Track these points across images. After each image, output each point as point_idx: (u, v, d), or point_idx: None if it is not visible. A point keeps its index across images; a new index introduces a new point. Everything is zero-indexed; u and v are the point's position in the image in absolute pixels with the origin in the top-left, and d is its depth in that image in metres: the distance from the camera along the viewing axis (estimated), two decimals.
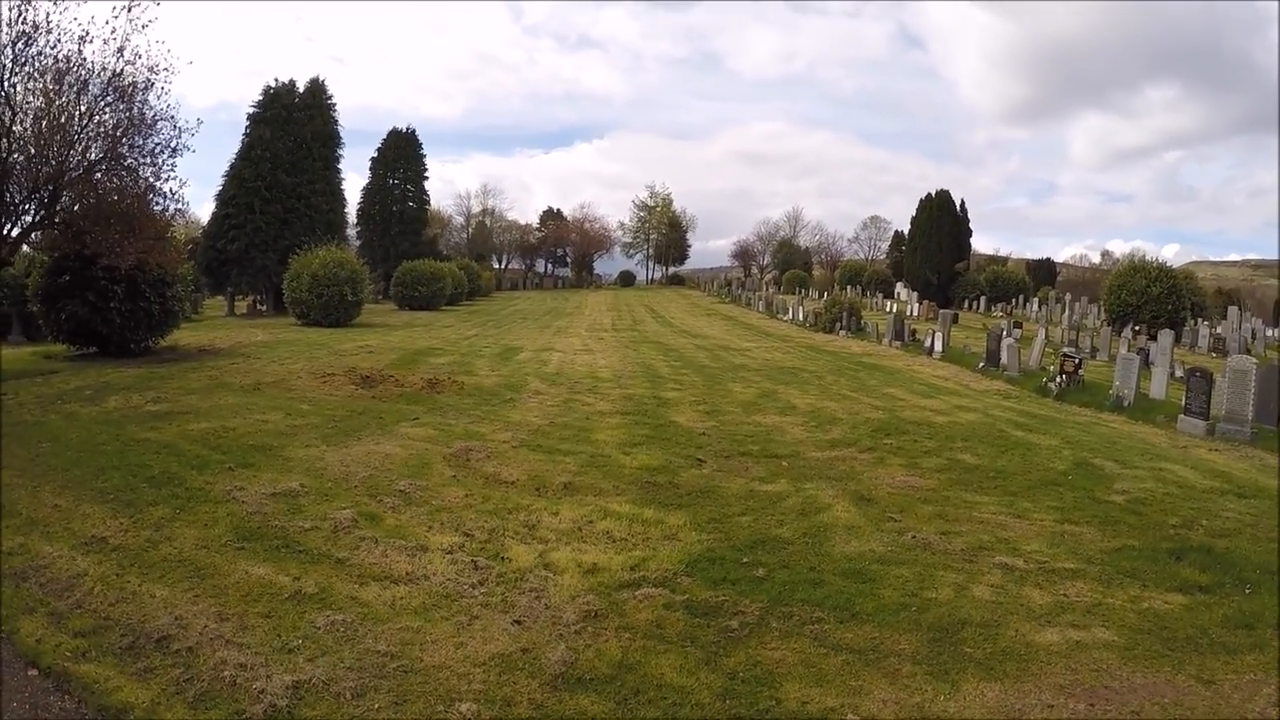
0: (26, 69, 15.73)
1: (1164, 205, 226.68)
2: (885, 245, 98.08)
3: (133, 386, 14.66)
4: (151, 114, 17.40)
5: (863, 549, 7.50)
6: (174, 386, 14.84)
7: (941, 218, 65.08)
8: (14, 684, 5.03)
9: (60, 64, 15.90)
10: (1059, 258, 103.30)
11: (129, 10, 16.42)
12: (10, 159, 15.75)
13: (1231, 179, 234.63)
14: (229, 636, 5.52)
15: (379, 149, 76.57)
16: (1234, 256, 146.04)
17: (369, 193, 75.41)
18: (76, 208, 17.27)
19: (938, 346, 27.84)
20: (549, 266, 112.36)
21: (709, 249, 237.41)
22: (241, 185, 46.89)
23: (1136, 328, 33.98)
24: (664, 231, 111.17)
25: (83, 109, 16.42)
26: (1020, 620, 6.03)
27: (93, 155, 16.96)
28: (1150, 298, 34.93)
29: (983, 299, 58.82)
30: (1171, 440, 13.78)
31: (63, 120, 16.02)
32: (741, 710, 4.82)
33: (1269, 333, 42.40)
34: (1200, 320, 38.71)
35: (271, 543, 7.22)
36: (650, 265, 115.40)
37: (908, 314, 46.91)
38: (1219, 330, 37.55)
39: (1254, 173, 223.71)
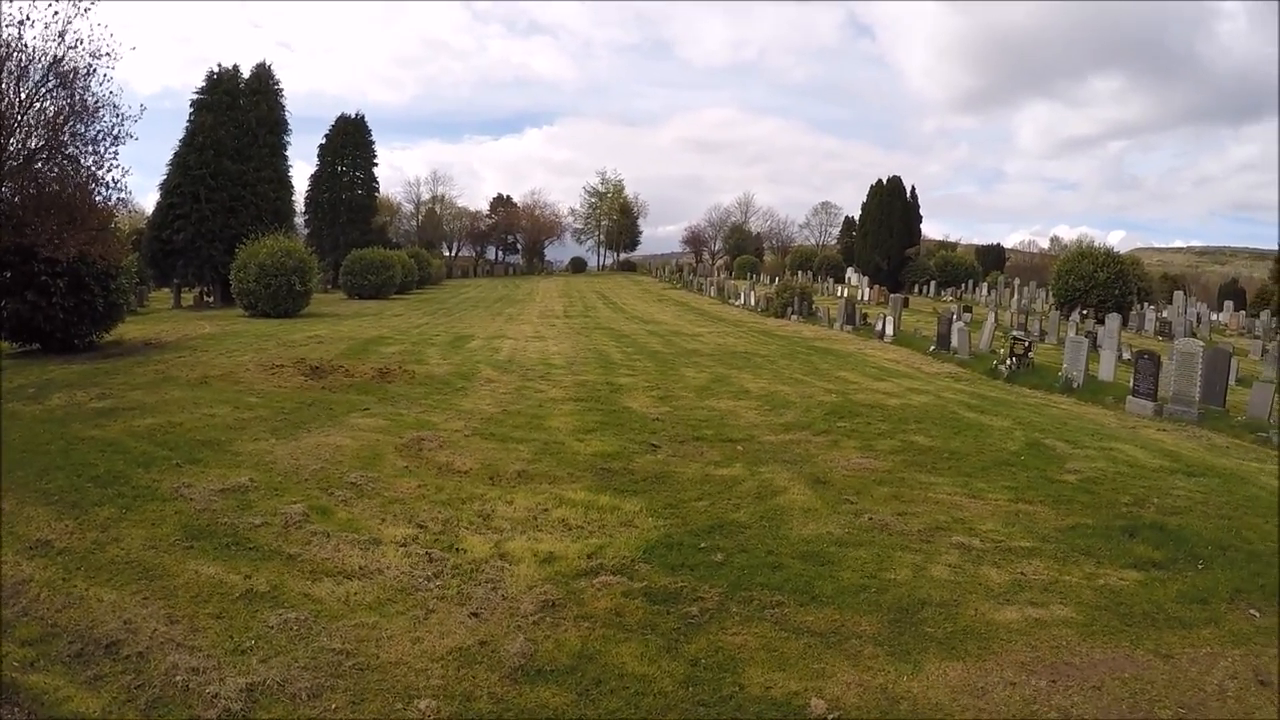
0: None
1: (1110, 193, 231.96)
2: (836, 231, 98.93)
3: (76, 383, 14.24)
4: (94, 101, 16.85)
5: (820, 531, 7.52)
6: (119, 382, 14.43)
7: (892, 203, 65.79)
8: None
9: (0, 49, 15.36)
10: (1007, 243, 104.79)
11: None
12: None
13: (1176, 169, 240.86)
14: (180, 640, 5.37)
15: (327, 136, 75.21)
16: (1179, 243, 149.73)
17: (317, 180, 74.05)
18: (16, 199, 16.67)
19: (889, 330, 28.15)
20: (500, 254, 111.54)
21: (660, 235, 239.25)
22: (186, 174, 45.67)
23: (1084, 311, 34.56)
24: (615, 218, 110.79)
25: (23, 96, 15.85)
26: (979, 599, 6.08)
27: (33, 144, 16.33)
28: (1097, 282, 35.50)
29: (933, 284, 59.57)
30: (1120, 421, 14.04)
31: (2, 107, 15.49)
32: (705, 697, 4.80)
33: (1213, 317, 43.45)
34: (1146, 305, 39.54)
35: (221, 541, 7.04)
36: (601, 251, 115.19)
37: (859, 299, 47.41)
38: (1165, 314, 38.43)
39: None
